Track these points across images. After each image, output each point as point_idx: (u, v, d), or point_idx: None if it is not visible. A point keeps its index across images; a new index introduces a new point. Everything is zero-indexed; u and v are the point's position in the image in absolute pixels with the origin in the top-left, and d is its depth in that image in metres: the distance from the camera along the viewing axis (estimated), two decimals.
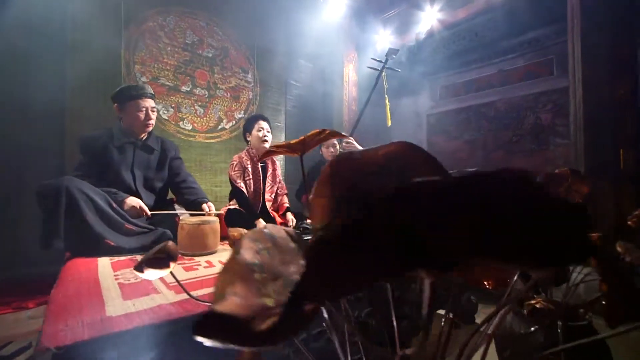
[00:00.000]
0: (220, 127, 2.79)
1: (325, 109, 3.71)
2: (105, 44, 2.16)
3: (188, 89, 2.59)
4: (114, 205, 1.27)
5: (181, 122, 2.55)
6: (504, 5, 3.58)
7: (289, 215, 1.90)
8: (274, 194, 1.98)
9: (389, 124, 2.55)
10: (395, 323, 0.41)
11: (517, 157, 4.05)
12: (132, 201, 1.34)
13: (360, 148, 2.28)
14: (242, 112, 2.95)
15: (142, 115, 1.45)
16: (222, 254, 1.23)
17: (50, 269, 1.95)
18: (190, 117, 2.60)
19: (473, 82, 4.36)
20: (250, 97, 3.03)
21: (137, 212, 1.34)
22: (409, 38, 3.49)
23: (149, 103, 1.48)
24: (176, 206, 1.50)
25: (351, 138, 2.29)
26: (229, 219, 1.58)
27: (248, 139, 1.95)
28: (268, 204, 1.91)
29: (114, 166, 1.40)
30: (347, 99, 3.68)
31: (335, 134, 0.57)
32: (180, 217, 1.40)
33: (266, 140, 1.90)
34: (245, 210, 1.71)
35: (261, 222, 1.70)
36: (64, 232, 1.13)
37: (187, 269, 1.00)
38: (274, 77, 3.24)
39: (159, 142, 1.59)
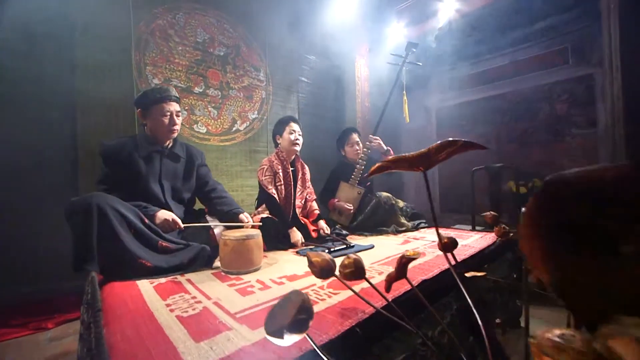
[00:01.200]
0: (234, 128, 2.67)
1: (338, 106, 3.60)
2: (116, 44, 2.04)
3: (201, 90, 2.47)
4: (146, 220, 1.16)
5: (195, 125, 2.43)
6: None
7: (322, 223, 1.80)
8: (303, 200, 1.88)
9: (407, 120, 2.45)
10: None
11: (532, 149, 3.96)
12: (164, 214, 1.24)
13: (385, 147, 2.18)
14: (256, 112, 2.84)
15: (166, 120, 1.34)
16: (268, 271, 1.14)
17: (66, 285, 1.85)
18: (204, 119, 2.48)
19: (484, 73, 4.26)
20: (263, 96, 2.91)
21: (170, 226, 1.24)
22: (425, 30, 3.38)
23: (174, 107, 1.37)
24: (208, 217, 1.39)
25: (377, 137, 2.19)
26: (264, 229, 1.48)
27: (278, 141, 1.84)
28: (298, 211, 1.81)
29: (142, 177, 1.29)
30: (360, 95, 3.57)
31: (471, 146, 0.47)
32: (219, 231, 1.30)
33: (297, 144, 1.80)
34: (278, 218, 1.61)
35: (296, 232, 1.61)
36: (96, 254, 1.02)
37: (242, 292, 0.90)
38: (286, 75, 3.12)
39: (184, 148, 1.48)
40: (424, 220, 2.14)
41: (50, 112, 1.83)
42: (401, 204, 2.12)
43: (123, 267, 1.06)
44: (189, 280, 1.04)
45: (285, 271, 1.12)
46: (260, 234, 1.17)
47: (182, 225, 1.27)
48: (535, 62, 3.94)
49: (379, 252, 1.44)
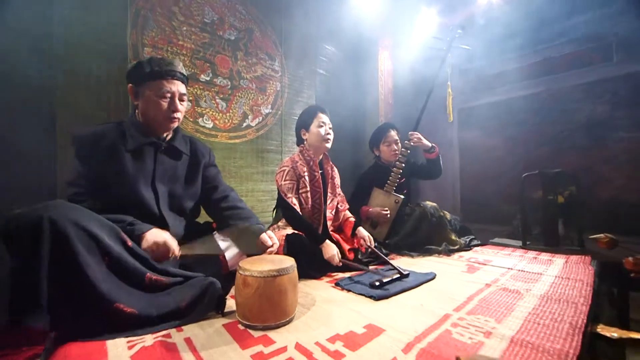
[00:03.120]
0: (245, 124, 2.31)
1: (358, 103, 3.23)
2: (108, 16, 1.69)
3: (208, 78, 2.11)
4: (130, 243, 0.80)
5: (200, 119, 2.07)
6: None
7: (362, 231, 1.42)
8: (334, 210, 1.50)
9: (451, 119, 2.08)
10: None
11: (566, 155, 3.57)
12: (154, 236, 0.87)
13: (429, 144, 1.80)
14: (270, 106, 2.48)
15: (164, 104, 0.98)
16: (307, 323, 0.76)
17: None
18: (211, 112, 2.12)
19: (514, 71, 3.89)
20: (278, 88, 2.56)
21: (161, 254, 0.86)
22: (461, 17, 3.03)
23: (178, 87, 1.01)
24: (217, 236, 1.02)
25: (417, 133, 1.82)
26: (290, 249, 1.11)
27: (304, 137, 1.48)
28: (328, 224, 1.44)
29: (128, 179, 0.92)
30: (383, 92, 3.21)
31: None
32: (232, 255, 0.93)
33: (329, 139, 1.44)
34: (303, 232, 1.24)
35: (330, 246, 1.23)
36: (47, 297, 0.65)
37: None
38: (303, 66, 2.77)
39: (187, 143, 1.12)
40: (473, 236, 1.76)
41: (22, 93, 1.47)
42: (448, 215, 1.74)
43: (89, 316, 0.69)
44: (188, 342, 0.67)
45: (336, 325, 0.74)
46: (295, 265, 0.80)
47: (178, 253, 0.90)
48: (572, 59, 3.56)
49: (445, 285, 1.06)
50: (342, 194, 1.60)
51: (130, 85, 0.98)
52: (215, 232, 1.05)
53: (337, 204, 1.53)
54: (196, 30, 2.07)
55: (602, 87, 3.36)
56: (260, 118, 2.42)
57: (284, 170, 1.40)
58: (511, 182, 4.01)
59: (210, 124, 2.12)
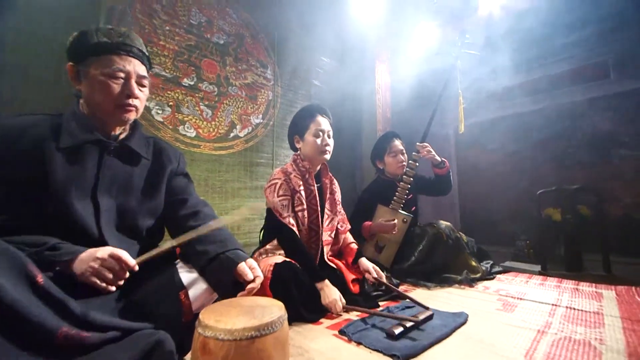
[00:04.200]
0: (232, 134, 2.09)
1: (354, 116, 3.06)
2: (74, 15, 1.48)
3: (192, 83, 1.90)
4: (41, 281, 0.53)
5: (181, 127, 1.84)
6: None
7: (366, 264, 1.16)
8: (334, 232, 1.25)
9: (462, 129, 1.90)
10: None
11: (573, 171, 3.43)
12: (91, 254, 0.61)
13: (439, 158, 1.59)
14: (260, 116, 2.27)
15: (115, 86, 0.74)
16: None
17: None
18: (193, 120, 1.90)
19: (515, 88, 3.82)
20: (270, 97, 2.36)
21: (113, 271, 0.61)
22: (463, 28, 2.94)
23: (135, 66, 0.77)
24: (180, 267, 0.75)
25: (427, 145, 1.62)
26: (278, 283, 0.84)
27: (297, 145, 1.25)
28: (326, 249, 1.18)
29: (55, 187, 0.67)
30: (380, 105, 3.06)
31: None
32: (200, 292, 0.66)
33: (327, 151, 1.21)
34: (300, 264, 0.98)
35: (330, 289, 0.97)
36: None
37: None
38: (297, 76, 2.60)
39: (150, 145, 0.88)
40: (492, 261, 1.52)
41: None
42: (464, 237, 1.50)
43: None
44: None
45: None
46: (284, 315, 0.54)
47: (136, 264, 0.64)
48: (573, 75, 3.51)
49: (485, 333, 0.81)
50: (343, 212, 1.35)
51: (71, 63, 0.74)
52: (178, 260, 0.79)
53: (338, 224, 1.28)
54: (180, 31, 1.89)
55: (604, 104, 3.29)
56: (250, 128, 2.20)
57: (276, 184, 1.16)
58: (514, 200, 3.82)
59: (192, 133, 1.88)
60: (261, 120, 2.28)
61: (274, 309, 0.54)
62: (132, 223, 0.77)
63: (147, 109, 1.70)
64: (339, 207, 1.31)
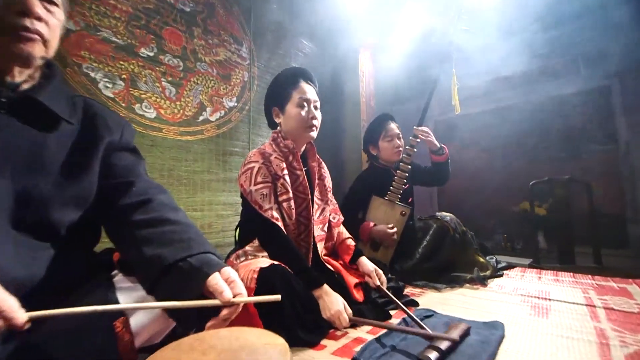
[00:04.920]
0: (201, 118, 1.80)
1: (337, 104, 2.86)
2: None
3: (151, 54, 1.59)
4: None
5: (138, 106, 1.53)
6: None
7: (367, 265, 0.96)
8: (326, 225, 1.03)
9: (458, 110, 1.76)
10: None
11: (545, 166, 3.52)
12: None
13: (437, 143, 1.42)
14: (235, 99, 2.00)
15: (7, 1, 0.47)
16: None
17: None
18: (153, 98, 1.59)
19: (488, 84, 3.84)
20: (246, 78, 2.09)
21: None
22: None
23: None
24: (119, 281, 0.50)
25: (426, 129, 1.45)
26: (264, 292, 0.61)
27: (277, 120, 1.02)
28: (320, 246, 0.96)
29: None
30: (364, 94, 2.89)
31: None
32: (146, 321, 0.42)
33: (314, 126, 0.99)
34: (290, 266, 0.76)
35: (332, 297, 0.75)
36: None
37: None
38: (276, 57, 2.35)
39: (77, 106, 0.61)
40: (493, 256, 1.39)
41: None
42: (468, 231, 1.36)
43: None
44: None
45: None
46: (286, 351, 0.31)
47: (25, 321, 0.37)
48: (546, 72, 3.58)
49: (535, 350, 0.63)
50: (334, 201, 1.13)
51: None
52: (115, 271, 0.53)
53: (330, 215, 1.06)
54: None
55: (575, 100, 3.38)
56: (223, 112, 1.92)
57: (252, 168, 0.92)
58: (491, 194, 3.85)
59: (152, 114, 1.58)
60: (235, 104, 2.00)
61: (272, 353, 0.31)
62: (42, 216, 0.50)
63: (93, 81, 1.38)
64: (330, 195, 1.09)
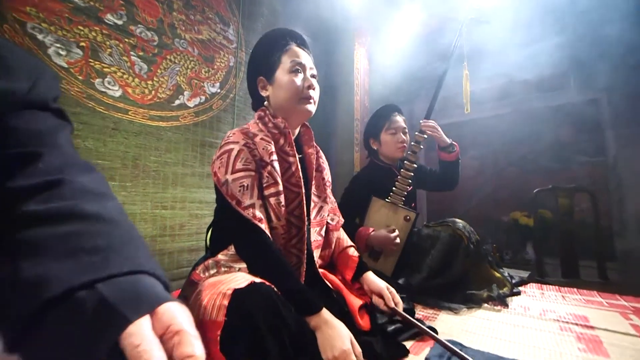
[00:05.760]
0: (177, 102, 1.57)
1: (329, 101, 2.69)
2: None
3: (119, 22, 1.35)
4: None
5: (99, 81, 1.28)
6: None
7: (377, 283, 0.76)
8: (323, 228, 0.82)
9: (468, 109, 1.61)
10: None
11: (534, 176, 3.51)
12: None
13: (447, 139, 1.26)
14: (218, 85, 1.78)
15: None
16: None
17: None
18: (119, 74, 1.35)
19: (481, 92, 3.81)
20: (232, 63, 1.88)
21: None
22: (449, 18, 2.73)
23: None
24: None
25: (433, 123, 1.29)
26: (241, 332, 0.40)
27: (264, 93, 0.83)
28: (316, 254, 0.75)
29: None
30: (359, 92, 2.73)
31: None
32: None
33: (311, 98, 0.80)
34: (277, 284, 0.55)
35: (336, 331, 0.55)
36: None
37: None
38: None
39: None
40: (506, 270, 1.23)
41: None
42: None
43: None
44: None
45: None
46: None
47: None
48: (537, 83, 3.59)
49: None
50: (333, 198, 0.93)
51: None
52: None
53: (328, 216, 0.86)
54: None
55: (565, 112, 3.38)
56: (203, 98, 1.69)
57: (231, 151, 0.70)
58: (480, 203, 3.79)
59: (117, 92, 1.33)
60: (218, 90, 1.78)
61: None
62: None
63: (40, 45, 1.13)
64: (329, 191, 0.89)
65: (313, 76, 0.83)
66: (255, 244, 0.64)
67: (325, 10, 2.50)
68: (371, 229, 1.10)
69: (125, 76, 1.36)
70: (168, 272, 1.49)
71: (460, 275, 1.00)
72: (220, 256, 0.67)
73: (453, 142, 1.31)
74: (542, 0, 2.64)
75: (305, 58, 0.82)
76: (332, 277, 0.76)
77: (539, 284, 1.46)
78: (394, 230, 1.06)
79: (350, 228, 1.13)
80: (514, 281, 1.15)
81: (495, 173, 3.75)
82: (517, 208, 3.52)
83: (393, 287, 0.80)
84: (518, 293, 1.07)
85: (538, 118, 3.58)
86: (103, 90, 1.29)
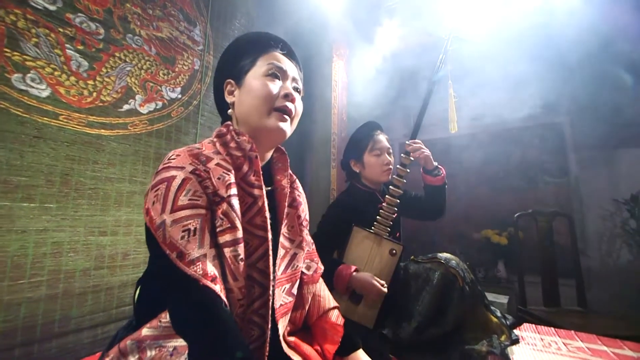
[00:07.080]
0: (127, 107, 1.33)
1: (306, 116, 2.53)
2: None
3: (52, 7, 1.11)
4: None
5: (18, 76, 1.02)
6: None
7: None
8: (296, 284, 0.63)
9: (455, 129, 1.52)
10: None
11: (504, 195, 3.60)
12: None
13: (434, 162, 1.14)
14: (179, 90, 1.56)
15: None
16: None
17: None
18: (49, 69, 1.09)
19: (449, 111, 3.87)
20: (197, 67, 1.67)
21: None
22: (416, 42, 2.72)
23: None
24: None
25: (420, 143, 1.16)
26: None
27: (230, 99, 0.64)
28: (281, 325, 0.56)
29: None
30: (336, 105, 2.61)
31: None
32: None
33: (290, 111, 0.62)
34: (219, 353, 0.35)
35: None
36: None
37: None
38: None
39: None
40: (498, 310, 1.11)
41: None
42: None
43: None
44: None
45: None
46: None
47: None
48: (504, 105, 3.72)
49: None
50: (310, 239, 0.75)
51: None
52: None
53: (303, 264, 0.67)
54: None
55: (531, 133, 3.52)
56: (160, 104, 1.46)
57: (170, 180, 0.49)
58: (452, 220, 3.77)
59: (44, 91, 1.08)
60: (179, 96, 1.56)
61: None
62: None
63: None
64: (306, 233, 0.70)
65: (296, 89, 0.66)
66: (204, 315, 0.44)
67: (303, 20, 2.38)
68: (353, 268, 0.93)
69: (56, 73, 1.11)
70: (105, 313, 1.21)
71: (456, 323, 0.85)
72: (145, 331, 0.46)
73: (438, 165, 1.20)
74: (515, 26, 2.71)
75: (289, 66, 0.65)
76: (306, 348, 0.57)
77: (532, 324, 1.35)
78: (383, 285, 0.88)
79: (329, 265, 0.95)
80: (508, 322, 1.03)
81: (467, 190, 3.79)
82: (488, 226, 3.55)
83: (376, 339, 0.63)
84: (517, 341, 0.94)
85: (507, 139, 3.70)
86: (23, 88, 1.03)
